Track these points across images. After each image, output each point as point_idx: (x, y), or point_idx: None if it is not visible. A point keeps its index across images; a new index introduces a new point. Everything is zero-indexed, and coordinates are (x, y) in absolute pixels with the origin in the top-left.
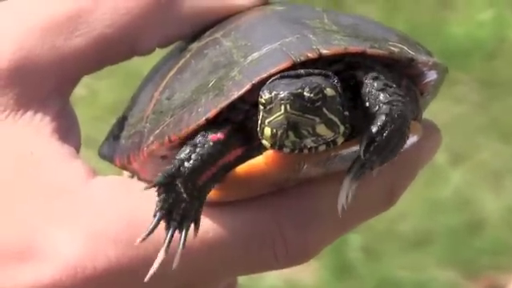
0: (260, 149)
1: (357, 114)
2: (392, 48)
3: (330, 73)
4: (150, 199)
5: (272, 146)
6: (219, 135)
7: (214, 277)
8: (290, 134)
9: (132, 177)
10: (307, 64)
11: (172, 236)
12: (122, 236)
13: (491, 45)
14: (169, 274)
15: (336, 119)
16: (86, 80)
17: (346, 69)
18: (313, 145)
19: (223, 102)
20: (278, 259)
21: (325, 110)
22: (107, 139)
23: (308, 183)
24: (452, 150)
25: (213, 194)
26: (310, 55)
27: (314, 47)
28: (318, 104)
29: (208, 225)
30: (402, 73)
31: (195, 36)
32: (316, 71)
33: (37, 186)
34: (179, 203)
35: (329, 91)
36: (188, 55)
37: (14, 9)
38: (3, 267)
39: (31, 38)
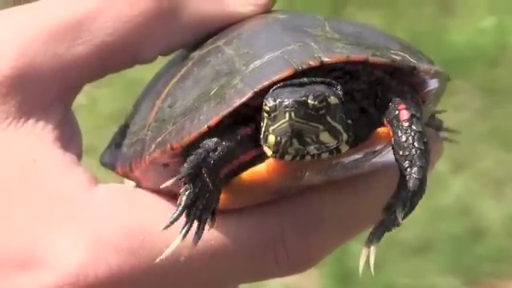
0: (263, 156)
1: (359, 123)
2: (394, 56)
3: (334, 81)
4: (151, 207)
5: (273, 154)
6: (249, 130)
7: (216, 285)
8: (294, 141)
9: (136, 186)
10: (308, 72)
11: (191, 225)
12: (123, 244)
13: (492, 52)
14: (171, 284)
15: (339, 127)
16: (86, 88)
17: (344, 76)
18: (316, 152)
19: (225, 110)
20: (280, 265)
21: (328, 117)
22: (109, 147)
23: (310, 190)
24: (453, 158)
25: None
26: (312, 63)
27: (316, 55)
28: (322, 112)
29: (211, 233)
30: (404, 81)
31: (197, 44)
32: (319, 79)
33: (39, 194)
34: (204, 193)
35: (332, 99)
36: (190, 63)
37: (16, 16)
38: (6, 275)
39: (34, 45)
